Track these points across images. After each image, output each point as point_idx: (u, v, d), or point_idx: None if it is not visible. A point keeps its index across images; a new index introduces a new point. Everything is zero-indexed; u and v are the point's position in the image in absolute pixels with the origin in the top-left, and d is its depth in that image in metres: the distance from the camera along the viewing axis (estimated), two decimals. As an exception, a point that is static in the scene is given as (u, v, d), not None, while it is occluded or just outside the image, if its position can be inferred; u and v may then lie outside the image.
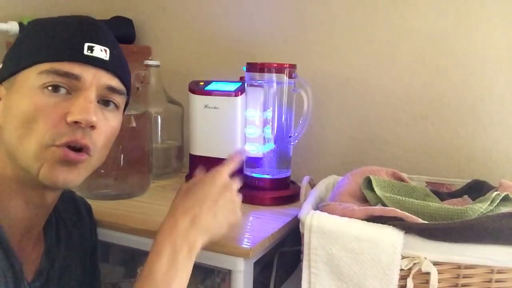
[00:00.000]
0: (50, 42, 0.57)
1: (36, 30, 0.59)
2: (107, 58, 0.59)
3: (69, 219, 0.72)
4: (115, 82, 0.60)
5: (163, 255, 0.56)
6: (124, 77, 0.62)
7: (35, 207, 0.60)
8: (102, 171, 0.87)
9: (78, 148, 0.56)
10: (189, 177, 1.04)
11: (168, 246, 0.57)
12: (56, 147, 0.55)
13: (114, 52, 0.60)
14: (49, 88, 0.55)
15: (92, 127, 0.57)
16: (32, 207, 0.60)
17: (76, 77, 0.56)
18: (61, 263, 0.67)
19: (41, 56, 0.56)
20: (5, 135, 0.57)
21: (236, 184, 0.66)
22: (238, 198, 0.65)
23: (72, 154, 0.56)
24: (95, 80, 0.57)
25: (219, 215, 0.61)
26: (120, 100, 0.62)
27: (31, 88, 0.56)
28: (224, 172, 0.65)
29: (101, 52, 0.58)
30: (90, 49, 0.57)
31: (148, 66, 1.09)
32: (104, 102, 0.60)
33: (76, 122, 0.55)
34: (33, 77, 0.56)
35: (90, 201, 0.79)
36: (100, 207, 0.81)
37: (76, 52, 0.57)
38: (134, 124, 0.89)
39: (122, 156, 0.88)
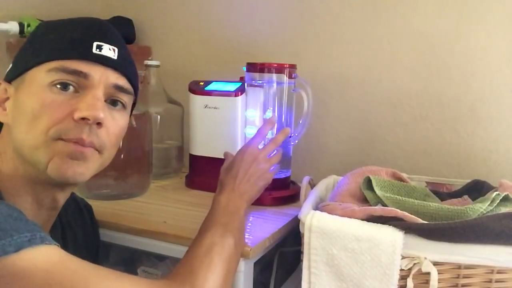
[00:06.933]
0: (59, 41, 0.57)
1: (46, 31, 0.60)
2: (116, 57, 0.59)
3: (73, 219, 0.72)
4: (122, 82, 0.61)
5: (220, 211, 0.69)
6: (131, 77, 0.63)
7: (47, 208, 0.61)
8: (102, 171, 0.86)
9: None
10: (189, 177, 1.05)
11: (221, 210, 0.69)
12: (63, 141, 0.55)
13: (122, 52, 0.61)
14: (58, 86, 0.56)
15: (99, 124, 0.57)
16: (44, 208, 0.60)
17: (84, 75, 0.56)
18: None
19: (50, 54, 0.57)
20: (14, 133, 0.57)
21: (265, 152, 0.79)
22: (266, 164, 0.78)
23: (81, 147, 0.56)
24: (103, 78, 0.58)
25: (251, 182, 0.75)
26: (127, 99, 0.63)
27: (39, 86, 0.56)
28: (250, 147, 0.77)
29: (109, 51, 0.59)
30: (99, 47, 0.58)
31: (148, 66, 1.09)
32: (111, 101, 0.60)
33: (83, 119, 0.55)
34: (42, 75, 0.56)
35: (90, 201, 0.79)
36: (100, 207, 0.81)
37: (84, 50, 0.57)
38: (134, 124, 0.89)
39: (122, 156, 0.88)
